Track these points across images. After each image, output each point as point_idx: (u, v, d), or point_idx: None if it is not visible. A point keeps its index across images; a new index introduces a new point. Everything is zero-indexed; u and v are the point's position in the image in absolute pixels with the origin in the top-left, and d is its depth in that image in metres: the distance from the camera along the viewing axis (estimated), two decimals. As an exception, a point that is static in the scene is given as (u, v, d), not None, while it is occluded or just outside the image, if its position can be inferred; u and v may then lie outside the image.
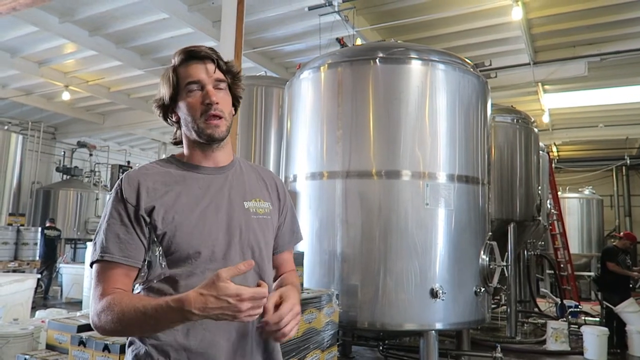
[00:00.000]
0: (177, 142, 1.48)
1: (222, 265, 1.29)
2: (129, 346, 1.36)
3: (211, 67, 1.38)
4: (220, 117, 1.36)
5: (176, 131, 1.47)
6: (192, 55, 1.39)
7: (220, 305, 1.09)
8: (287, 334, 1.23)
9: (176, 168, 1.41)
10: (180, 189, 1.36)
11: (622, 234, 7.98)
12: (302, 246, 4.23)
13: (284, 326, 1.21)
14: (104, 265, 1.28)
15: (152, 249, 1.33)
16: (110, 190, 14.55)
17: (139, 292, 1.36)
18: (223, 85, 1.40)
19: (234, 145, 5.74)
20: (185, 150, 1.45)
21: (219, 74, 1.39)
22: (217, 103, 1.35)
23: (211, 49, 1.42)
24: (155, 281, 1.33)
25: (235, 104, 1.47)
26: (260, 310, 1.15)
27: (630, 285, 6.99)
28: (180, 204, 1.34)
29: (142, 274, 1.34)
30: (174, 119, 1.43)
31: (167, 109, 1.42)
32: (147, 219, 1.31)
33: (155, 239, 1.31)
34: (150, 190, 1.33)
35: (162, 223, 1.31)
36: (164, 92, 1.40)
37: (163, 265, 1.32)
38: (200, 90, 1.36)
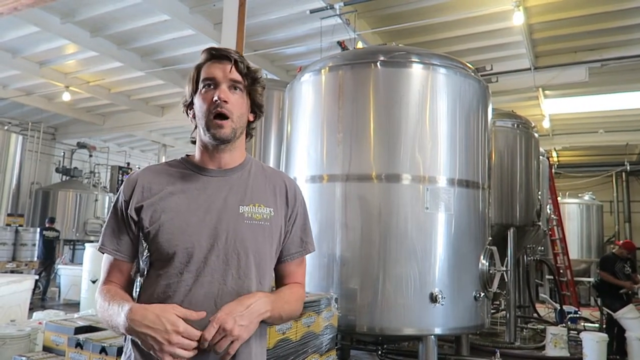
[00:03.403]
0: (193, 141, 1.49)
1: (201, 268, 1.31)
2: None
3: (229, 67, 1.38)
4: (226, 117, 1.35)
5: (194, 129, 1.47)
6: (213, 54, 1.40)
7: (155, 325, 1.14)
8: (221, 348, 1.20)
9: (181, 168, 1.43)
10: (174, 189, 1.38)
11: (620, 242, 7.94)
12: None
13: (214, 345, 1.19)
14: (105, 255, 1.42)
15: (140, 247, 1.37)
16: (109, 191, 14.57)
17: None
18: (239, 86, 1.39)
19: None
20: (196, 149, 1.46)
21: (236, 75, 1.38)
22: (225, 101, 1.35)
23: (236, 51, 1.43)
24: (144, 277, 1.38)
25: (255, 109, 1.46)
26: (187, 354, 1.16)
27: (624, 295, 6.96)
28: (171, 204, 1.35)
29: (134, 269, 1.41)
30: (191, 115, 1.44)
31: (189, 106, 1.45)
32: (135, 218, 1.35)
33: (143, 237, 1.35)
34: (145, 189, 1.37)
35: (149, 222, 1.34)
36: (187, 89, 1.44)
37: (147, 263, 1.36)
38: (215, 89, 1.37)
